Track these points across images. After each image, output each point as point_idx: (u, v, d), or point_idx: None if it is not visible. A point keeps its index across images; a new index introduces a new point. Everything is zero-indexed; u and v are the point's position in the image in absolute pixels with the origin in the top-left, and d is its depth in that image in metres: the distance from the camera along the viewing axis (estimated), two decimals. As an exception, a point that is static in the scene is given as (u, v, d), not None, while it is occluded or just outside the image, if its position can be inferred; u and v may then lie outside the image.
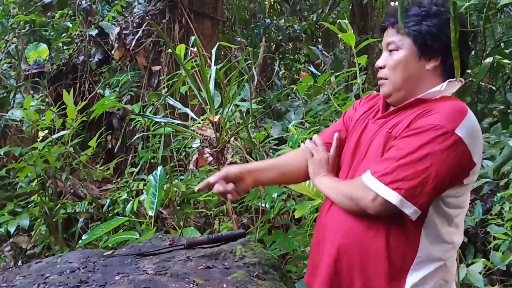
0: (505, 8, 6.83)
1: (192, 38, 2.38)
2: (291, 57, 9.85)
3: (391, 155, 1.44)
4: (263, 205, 2.65)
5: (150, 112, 3.13)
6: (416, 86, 1.54)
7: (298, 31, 9.37)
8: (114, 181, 3.51)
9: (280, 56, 9.42)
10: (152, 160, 3.64)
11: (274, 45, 9.55)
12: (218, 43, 2.83)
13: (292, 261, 2.95)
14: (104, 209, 3.23)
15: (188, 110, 2.67)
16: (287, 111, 7.05)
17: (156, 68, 4.51)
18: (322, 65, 7.17)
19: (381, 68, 1.61)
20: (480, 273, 2.54)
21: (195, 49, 3.00)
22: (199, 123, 2.71)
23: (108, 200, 3.22)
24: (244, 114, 2.47)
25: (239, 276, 1.68)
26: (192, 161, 2.43)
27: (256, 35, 9.12)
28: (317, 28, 9.49)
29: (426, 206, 1.41)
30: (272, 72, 8.80)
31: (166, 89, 3.91)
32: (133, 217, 2.84)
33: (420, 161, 1.38)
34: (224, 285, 1.60)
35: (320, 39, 9.89)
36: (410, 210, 1.38)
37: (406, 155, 1.39)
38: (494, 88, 6.99)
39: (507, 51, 6.02)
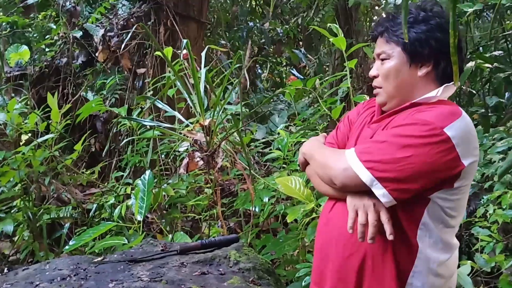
0: (482, 13, 6.95)
1: (183, 41, 2.35)
2: (274, 60, 9.88)
3: (377, 138, 1.49)
4: (253, 209, 2.63)
5: (138, 115, 3.09)
6: (410, 93, 1.56)
7: (281, 34, 9.40)
8: (99, 186, 3.46)
9: (263, 59, 9.44)
10: (137, 164, 3.60)
11: (257, 48, 9.56)
12: (207, 46, 2.81)
13: (281, 265, 2.94)
14: (90, 214, 3.17)
15: (177, 114, 2.64)
16: (271, 114, 7.07)
17: (141, 70, 4.46)
18: (307, 68, 7.18)
19: (374, 77, 1.63)
20: (467, 275, 2.57)
21: (185, 51, 2.98)
22: (188, 126, 2.69)
23: (95, 205, 3.16)
24: (232, 118, 2.45)
25: (235, 282, 1.67)
26: (183, 165, 2.41)
27: (239, 38, 9.13)
28: (299, 32, 9.53)
29: (403, 197, 1.41)
30: (255, 75, 8.80)
31: (151, 92, 3.87)
32: (120, 222, 2.80)
33: (401, 149, 1.40)
34: (221, 292, 1.59)
35: (301, 43, 9.95)
36: (379, 191, 1.40)
37: (390, 142, 1.42)
38: (473, 91, 7.10)
39: (486, 55, 6.13)
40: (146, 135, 3.14)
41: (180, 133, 2.58)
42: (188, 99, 2.62)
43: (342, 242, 1.52)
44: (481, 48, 6.99)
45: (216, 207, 2.65)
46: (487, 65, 5.33)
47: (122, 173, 3.34)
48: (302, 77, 8.00)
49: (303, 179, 2.62)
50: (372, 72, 1.64)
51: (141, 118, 3.43)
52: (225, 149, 2.53)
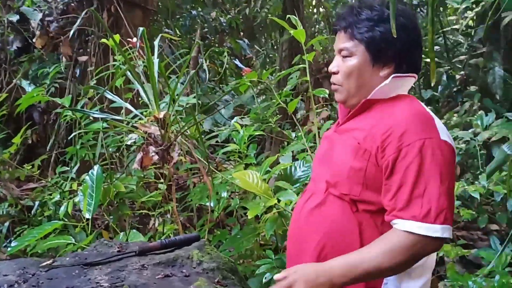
0: (416, 10, 7.20)
1: (139, 29, 2.22)
2: (217, 50, 9.75)
3: (410, 191, 1.35)
4: (210, 204, 2.55)
5: (83, 106, 2.91)
6: (370, 93, 1.52)
7: (224, 24, 9.29)
8: (40, 181, 3.24)
9: (206, 48, 9.29)
10: (83, 158, 3.39)
11: (200, 38, 9.39)
12: (160, 34, 2.68)
13: (235, 261, 2.88)
14: (32, 212, 2.95)
15: (128, 105, 2.51)
16: (216, 105, 6.98)
17: (83, 58, 4.22)
18: (254, 60, 7.13)
19: (334, 73, 1.58)
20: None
21: (134, 40, 2.84)
22: (140, 118, 2.56)
23: (37, 202, 2.95)
24: (190, 110, 2.35)
25: (202, 284, 1.59)
26: (137, 160, 2.28)
27: (182, 27, 8.93)
28: (242, 22, 9.46)
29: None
30: (198, 65, 8.64)
31: (95, 81, 3.67)
32: (66, 220, 2.63)
33: (441, 183, 1.34)
34: (189, 296, 1.50)
35: (242, 33, 9.89)
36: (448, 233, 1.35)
37: (426, 185, 1.33)
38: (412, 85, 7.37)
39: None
40: (93, 127, 2.96)
41: (133, 126, 2.45)
42: (140, 90, 2.49)
43: (319, 237, 1.49)
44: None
45: (171, 203, 2.54)
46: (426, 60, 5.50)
47: (67, 168, 3.14)
48: (244, 67, 7.95)
49: (260, 173, 2.57)
50: (332, 68, 1.58)
51: (85, 109, 3.24)
52: (180, 143, 2.43)
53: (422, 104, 1.53)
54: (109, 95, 2.54)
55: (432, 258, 1.53)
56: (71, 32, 2.83)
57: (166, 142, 2.37)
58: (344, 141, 1.53)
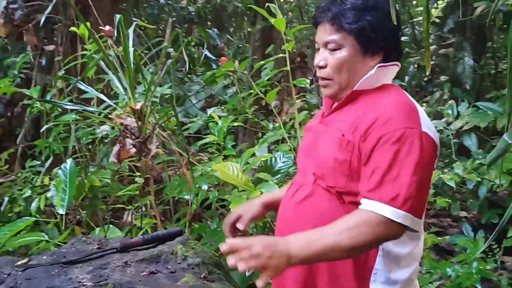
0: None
1: (116, 16, 2.12)
2: (184, 39, 9.58)
3: (382, 175, 1.33)
4: (189, 197, 2.50)
5: (58, 98, 2.79)
6: None
7: (193, 13, 9.14)
8: (8, 175, 3.10)
9: (174, 37, 9.13)
10: (50, 152, 3.26)
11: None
12: (135, 22, 2.58)
13: (216, 253, 2.84)
14: (1, 209, 2.82)
15: (103, 96, 2.42)
16: (185, 95, 6.87)
17: (50, 47, 4.05)
18: (226, 49, 7.04)
19: (321, 67, 1.51)
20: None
21: (107, 28, 2.73)
22: (116, 109, 2.47)
23: (6, 198, 2.81)
24: (169, 101, 2.28)
25: (189, 280, 1.54)
26: (114, 153, 2.20)
27: (149, 16, 8.75)
28: (211, 11, 9.33)
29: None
30: (168, 55, 8.47)
31: (63, 72, 3.53)
32: (38, 216, 2.52)
33: (414, 173, 1.31)
34: (177, 293, 1.46)
35: (209, 23, 9.77)
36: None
37: (399, 171, 1.31)
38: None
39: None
40: (63, 119, 2.85)
41: (108, 118, 2.36)
42: (115, 80, 2.40)
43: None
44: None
45: (148, 197, 2.47)
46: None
47: (37, 162, 3.01)
48: (214, 58, 7.86)
49: (240, 164, 2.53)
50: (319, 63, 1.51)
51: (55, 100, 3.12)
52: (157, 135, 2.36)
53: (407, 94, 1.50)
54: (82, 86, 2.44)
55: (420, 247, 1.52)
56: (42, 21, 2.69)
57: (143, 134, 2.30)
58: (328, 133, 1.50)
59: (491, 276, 2.85)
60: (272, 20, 2.41)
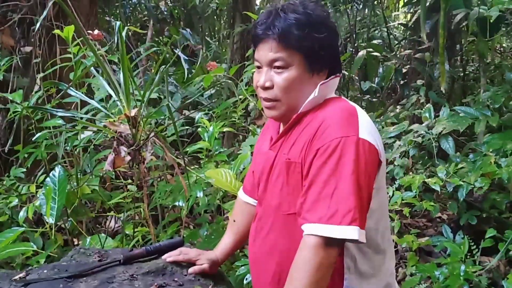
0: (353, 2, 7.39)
1: (116, 23, 2.08)
2: (157, 39, 9.48)
3: (319, 191, 1.30)
4: (180, 203, 2.48)
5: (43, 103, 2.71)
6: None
7: (165, 13, 9.05)
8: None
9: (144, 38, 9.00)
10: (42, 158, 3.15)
11: (140, 26, 9.09)
12: (126, 26, 2.54)
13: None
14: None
15: (95, 103, 2.37)
16: (160, 97, 6.80)
17: (27, 49, 3.94)
18: (204, 51, 6.99)
19: (267, 88, 1.42)
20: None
21: (96, 32, 2.68)
22: (109, 116, 2.43)
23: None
24: (167, 108, 2.25)
25: (200, 293, 1.53)
26: (108, 161, 2.15)
27: (121, 15, 8.61)
28: (184, 12, 9.25)
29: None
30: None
31: (41, 75, 3.43)
32: (25, 226, 2.45)
33: (352, 182, 1.27)
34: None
35: (181, 23, 9.68)
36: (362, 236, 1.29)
37: (336, 184, 1.28)
38: (355, 77, 7.58)
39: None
40: (48, 124, 2.78)
41: (104, 125, 2.31)
42: (106, 86, 2.36)
43: (274, 262, 1.49)
44: (354, 36, 7.48)
45: (142, 204, 2.44)
46: (376, 53, 5.65)
47: (24, 169, 2.91)
48: (191, 59, 7.80)
49: (232, 171, 2.53)
50: (265, 83, 1.42)
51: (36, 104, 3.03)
52: (152, 142, 2.33)
53: (349, 101, 1.47)
54: (72, 92, 2.39)
55: (388, 259, 1.51)
56: (30, 22, 2.59)
57: (138, 141, 2.26)
58: (278, 159, 1.47)
59: (473, 277, 2.94)
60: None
